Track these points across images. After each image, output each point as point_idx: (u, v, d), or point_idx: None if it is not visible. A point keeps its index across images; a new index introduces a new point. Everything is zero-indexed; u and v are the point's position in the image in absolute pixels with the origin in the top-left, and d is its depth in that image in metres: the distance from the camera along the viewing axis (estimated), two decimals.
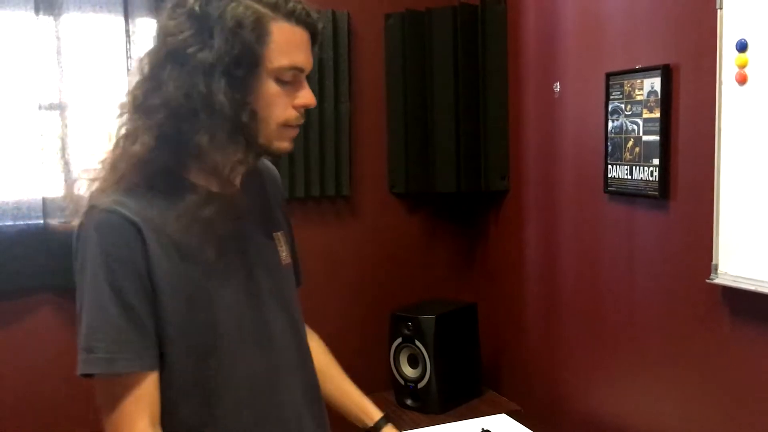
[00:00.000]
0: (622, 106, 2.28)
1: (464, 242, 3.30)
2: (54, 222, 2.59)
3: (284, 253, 1.31)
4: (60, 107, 2.59)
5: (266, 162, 1.39)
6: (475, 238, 3.26)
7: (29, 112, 2.57)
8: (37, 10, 2.54)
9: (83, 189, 1.17)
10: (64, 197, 1.22)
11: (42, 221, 2.60)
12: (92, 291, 1.09)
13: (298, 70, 1.14)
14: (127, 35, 2.64)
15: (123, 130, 1.16)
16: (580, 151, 2.55)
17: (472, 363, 2.99)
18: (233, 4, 1.09)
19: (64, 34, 2.58)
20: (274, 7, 1.11)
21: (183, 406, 1.15)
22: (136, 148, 1.12)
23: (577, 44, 2.55)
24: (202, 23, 1.09)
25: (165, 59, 1.11)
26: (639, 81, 2.20)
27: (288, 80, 1.14)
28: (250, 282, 1.22)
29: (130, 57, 2.65)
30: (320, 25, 1.18)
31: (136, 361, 1.09)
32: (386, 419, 1.46)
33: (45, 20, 2.55)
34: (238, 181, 1.23)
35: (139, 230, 1.09)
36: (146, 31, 2.67)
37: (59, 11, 2.56)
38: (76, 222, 1.14)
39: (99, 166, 1.18)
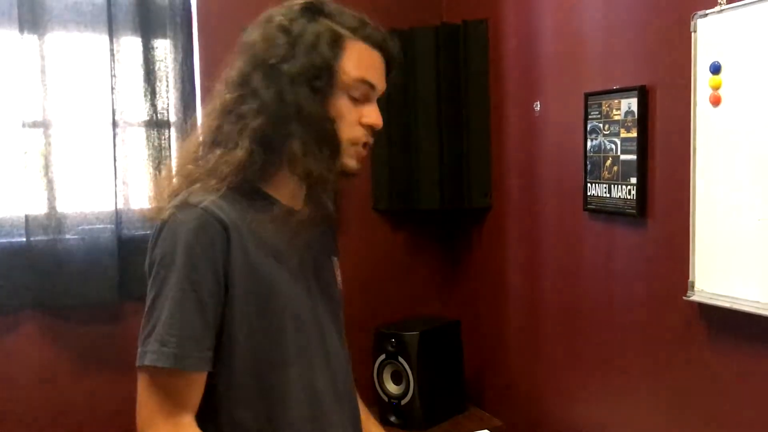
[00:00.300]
0: (601, 125, 2.32)
1: (447, 259, 3.32)
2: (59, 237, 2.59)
3: (339, 278, 1.37)
4: (44, 125, 2.60)
5: None
6: (458, 254, 3.28)
7: (13, 130, 2.57)
8: (21, 29, 2.55)
9: (177, 186, 1.21)
10: (152, 200, 1.25)
11: (25, 239, 2.59)
12: (173, 285, 1.11)
13: (369, 85, 1.19)
14: (112, 54, 2.65)
15: (213, 135, 1.20)
16: (561, 170, 2.58)
17: (456, 379, 3.01)
18: (315, 24, 1.17)
19: (49, 52, 2.59)
20: (353, 30, 1.19)
21: (242, 408, 1.17)
22: (239, 153, 1.16)
23: (557, 65, 2.59)
24: (287, 38, 1.16)
25: (252, 69, 1.18)
26: (616, 101, 2.24)
27: (358, 96, 1.19)
28: (311, 300, 1.25)
29: (115, 75, 2.67)
30: (396, 51, 1.24)
31: (201, 361, 1.13)
32: None
33: (29, 38, 2.56)
34: (300, 199, 1.27)
35: (226, 230, 1.13)
36: (130, 49, 2.69)
37: (44, 30, 2.57)
38: (164, 214, 1.15)
39: (191, 166, 1.21)
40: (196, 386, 1.14)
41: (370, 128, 1.21)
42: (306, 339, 1.22)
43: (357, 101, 1.19)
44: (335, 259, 1.38)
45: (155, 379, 1.12)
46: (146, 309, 1.15)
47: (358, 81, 1.18)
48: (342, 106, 1.18)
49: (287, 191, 1.24)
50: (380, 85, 1.22)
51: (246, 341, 1.16)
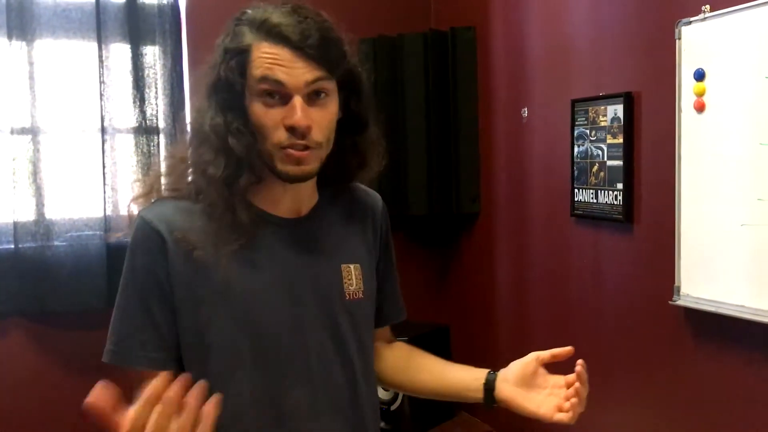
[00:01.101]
0: (587, 131, 2.34)
1: (436, 264, 3.33)
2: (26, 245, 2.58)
3: (353, 287, 1.27)
4: (32, 131, 2.60)
5: (369, 193, 1.41)
6: (447, 260, 3.29)
7: (1, 137, 2.58)
8: (9, 36, 2.55)
9: (148, 191, 1.27)
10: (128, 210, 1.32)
11: (13, 245, 2.59)
12: (121, 291, 1.19)
13: (276, 83, 1.11)
14: (100, 60, 2.66)
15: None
16: (548, 175, 2.60)
17: None
18: (230, 35, 1.16)
19: (37, 59, 2.59)
20: (257, 30, 1.14)
21: None
22: (186, 166, 1.23)
23: (544, 71, 2.61)
24: (215, 54, 1.18)
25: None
26: (603, 108, 2.26)
27: (272, 97, 1.12)
28: (294, 309, 1.20)
29: (103, 82, 2.67)
30: (309, 37, 1.11)
31: (144, 360, 1.16)
32: (493, 374, 1.36)
33: (18, 45, 2.56)
34: (304, 204, 1.26)
35: (163, 240, 1.16)
36: (119, 56, 2.69)
37: (32, 37, 2.58)
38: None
39: (162, 173, 1.28)
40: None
41: (293, 129, 1.12)
42: (271, 351, 1.18)
43: (274, 104, 1.12)
44: (352, 266, 1.28)
45: (130, 378, 1.17)
46: None
47: (261, 84, 1.12)
48: (257, 112, 1.13)
49: (268, 198, 1.22)
50: (289, 79, 1.11)
51: (195, 350, 1.17)
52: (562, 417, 1.28)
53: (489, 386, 1.34)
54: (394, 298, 1.44)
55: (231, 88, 1.14)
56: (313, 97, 1.14)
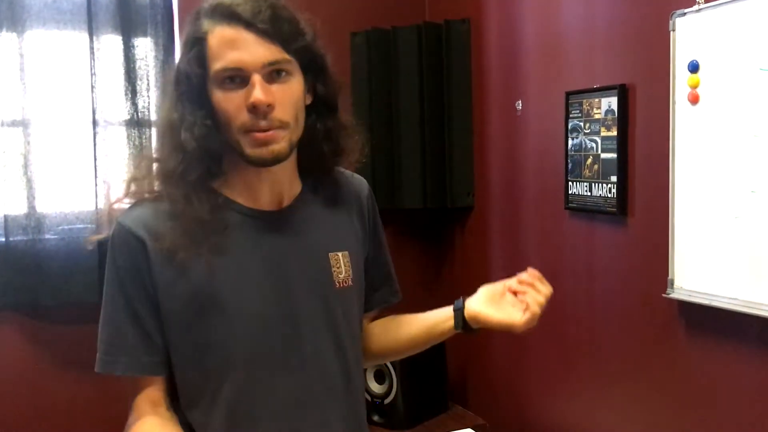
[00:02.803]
0: (581, 124, 2.33)
1: (430, 258, 3.32)
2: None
3: (342, 275, 1.26)
4: (23, 124, 2.57)
5: (354, 178, 1.38)
6: (441, 253, 3.29)
7: None
8: (0, 27, 2.53)
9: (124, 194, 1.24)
10: (100, 212, 1.32)
11: (3, 239, 2.57)
12: (106, 296, 1.18)
13: (235, 70, 1.10)
14: (92, 52, 2.63)
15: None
16: (542, 168, 2.59)
17: (439, 378, 3.01)
18: (190, 27, 1.15)
19: (28, 50, 2.56)
20: (210, 17, 1.13)
21: (194, 410, 1.18)
22: (155, 163, 1.22)
23: (538, 64, 2.60)
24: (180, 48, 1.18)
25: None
26: (597, 100, 2.26)
27: (232, 83, 1.11)
28: (286, 301, 1.20)
29: (95, 74, 2.65)
30: (259, 13, 1.10)
31: (134, 366, 1.16)
32: (461, 299, 1.39)
33: (8, 37, 2.54)
34: (285, 193, 1.24)
35: (143, 244, 1.14)
36: (110, 47, 2.67)
37: (22, 28, 2.55)
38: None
39: (136, 173, 1.24)
40: (147, 390, 1.18)
41: (256, 109, 1.10)
42: (262, 347, 1.18)
43: (235, 88, 1.11)
44: (340, 254, 1.27)
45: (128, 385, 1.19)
46: None
47: (219, 70, 1.10)
48: (217, 98, 1.12)
49: (242, 189, 1.21)
50: (248, 59, 1.09)
51: (188, 351, 1.17)
52: (527, 316, 1.34)
53: (459, 309, 1.37)
54: (389, 281, 1.44)
55: (190, 80, 1.14)
56: (273, 76, 1.12)
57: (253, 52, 1.10)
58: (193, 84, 1.13)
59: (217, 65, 1.11)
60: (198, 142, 1.14)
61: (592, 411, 2.42)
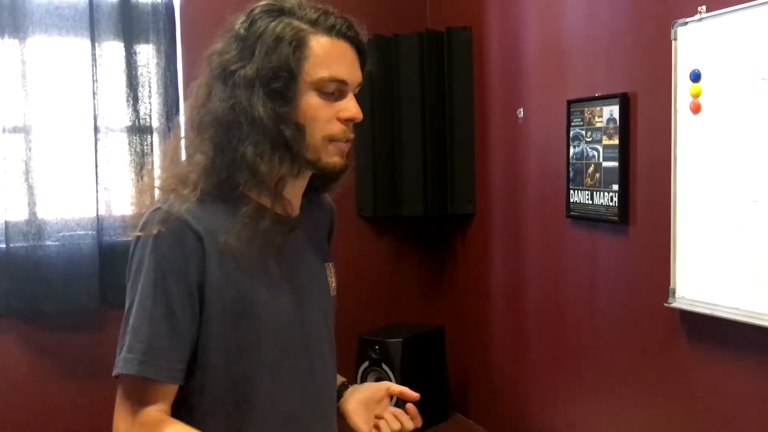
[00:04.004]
0: (583, 132, 2.33)
1: (431, 265, 3.31)
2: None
3: (333, 284, 1.31)
4: (24, 130, 2.58)
5: (324, 196, 1.39)
6: (442, 261, 3.28)
7: None
8: (1, 34, 2.53)
9: (156, 193, 1.20)
10: (133, 207, 1.24)
11: (4, 245, 2.57)
12: (143, 293, 1.11)
13: (339, 81, 1.13)
14: (94, 59, 2.64)
15: (184, 151, 1.21)
16: (544, 176, 2.59)
17: (440, 387, 3.00)
18: (274, 23, 1.13)
19: (30, 57, 2.57)
20: (314, 23, 1.14)
21: (214, 421, 1.16)
22: (199, 158, 1.16)
23: (540, 72, 2.60)
24: (245, 43, 1.14)
25: (214, 80, 1.16)
26: (598, 108, 2.25)
27: (330, 92, 1.14)
28: (300, 309, 1.21)
29: (96, 80, 2.65)
30: (365, 39, 1.17)
31: (166, 371, 1.11)
32: (345, 387, 1.38)
33: (10, 43, 2.55)
34: (296, 204, 1.24)
35: (201, 241, 1.11)
36: (112, 54, 2.67)
37: (24, 34, 2.56)
38: (141, 223, 1.14)
39: (167, 174, 1.20)
40: (164, 396, 1.12)
41: (349, 122, 1.15)
42: (284, 354, 1.18)
43: (330, 97, 1.14)
44: (330, 264, 1.32)
45: (125, 387, 1.13)
46: (123, 319, 1.14)
47: (326, 78, 1.12)
48: (312, 104, 1.13)
49: (275, 195, 1.19)
50: (352, 77, 1.15)
51: (220, 357, 1.14)
52: None
53: (337, 396, 1.35)
54: None
55: (280, 79, 1.12)
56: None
57: (356, 71, 1.16)
58: (285, 84, 1.12)
59: (322, 72, 1.12)
60: (295, 142, 1.14)
61: (594, 420, 2.41)
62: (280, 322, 1.18)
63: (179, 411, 1.15)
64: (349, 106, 1.15)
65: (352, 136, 1.17)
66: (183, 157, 1.22)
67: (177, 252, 1.10)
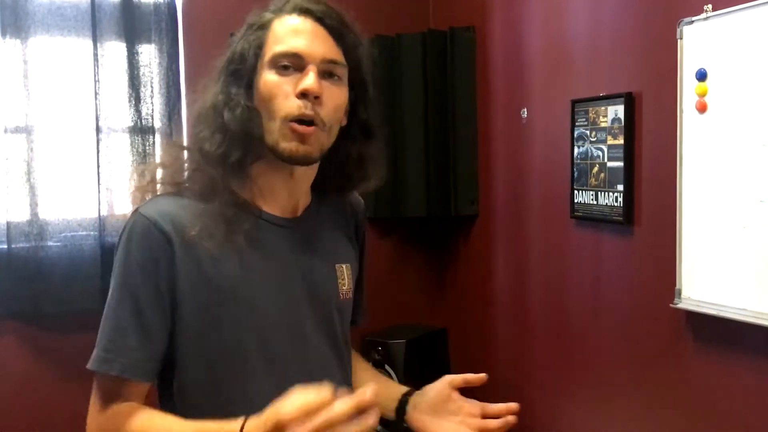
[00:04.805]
0: (587, 132, 2.32)
1: (434, 267, 3.30)
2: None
3: (345, 287, 1.27)
4: (26, 130, 2.57)
5: (354, 197, 1.38)
6: (445, 262, 3.27)
7: None
8: (3, 33, 2.52)
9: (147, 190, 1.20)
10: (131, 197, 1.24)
11: (6, 246, 2.56)
12: (112, 291, 1.12)
13: (292, 55, 1.11)
14: (95, 59, 2.63)
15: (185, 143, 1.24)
16: (547, 177, 2.58)
17: None
18: (254, 19, 1.16)
19: (31, 57, 2.56)
20: (280, 9, 1.15)
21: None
22: (180, 155, 1.19)
23: (544, 71, 2.59)
24: (231, 44, 1.17)
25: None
26: (603, 108, 2.24)
27: (286, 67, 1.11)
28: (291, 312, 1.18)
29: (98, 80, 2.64)
30: (336, 15, 1.15)
31: (130, 368, 1.10)
32: (406, 398, 1.35)
33: (12, 43, 2.54)
34: (295, 204, 1.22)
35: (170, 242, 1.10)
36: (114, 54, 2.67)
37: (26, 34, 2.55)
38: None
39: (162, 171, 1.22)
40: (132, 394, 1.12)
41: (305, 97, 1.10)
42: (277, 352, 1.16)
43: (287, 72, 1.11)
44: (344, 266, 1.28)
45: (95, 383, 1.14)
46: None
47: (280, 53, 1.11)
48: (269, 82, 1.11)
49: (267, 194, 1.19)
50: (310, 50, 1.11)
51: (200, 358, 1.13)
52: None
53: (401, 410, 1.32)
54: (362, 303, 1.43)
55: (243, 62, 1.13)
56: (326, 75, 1.13)
57: (317, 45, 1.12)
58: (245, 67, 1.13)
59: (276, 48, 1.12)
60: (241, 124, 1.12)
61: (598, 422, 2.40)
62: (264, 324, 1.15)
63: (164, 408, 1.16)
64: (304, 79, 1.10)
65: (309, 113, 1.10)
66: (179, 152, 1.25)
67: (145, 253, 1.10)
